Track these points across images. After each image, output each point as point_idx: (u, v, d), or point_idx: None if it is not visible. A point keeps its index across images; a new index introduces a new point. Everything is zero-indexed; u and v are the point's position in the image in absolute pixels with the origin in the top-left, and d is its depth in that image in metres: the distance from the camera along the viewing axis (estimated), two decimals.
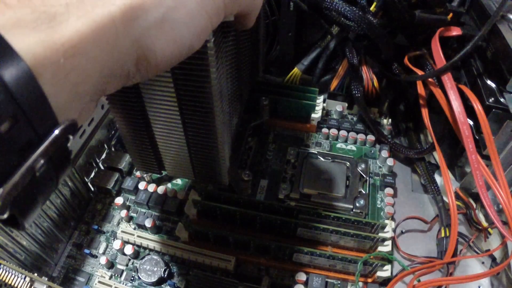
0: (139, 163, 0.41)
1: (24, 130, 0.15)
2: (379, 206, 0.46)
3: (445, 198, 0.44)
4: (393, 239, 0.42)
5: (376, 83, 0.51)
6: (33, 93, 0.15)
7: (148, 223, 0.43)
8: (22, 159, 0.15)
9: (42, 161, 0.16)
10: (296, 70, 0.54)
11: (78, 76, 0.17)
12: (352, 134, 0.52)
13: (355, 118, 0.55)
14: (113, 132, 0.51)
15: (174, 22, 0.20)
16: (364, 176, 0.47)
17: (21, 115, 0.15)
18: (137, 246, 0.43)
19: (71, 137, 0.17)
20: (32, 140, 0.16)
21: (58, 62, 0.16)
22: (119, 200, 0.45)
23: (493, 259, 0.41)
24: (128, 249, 0.42)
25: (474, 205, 0.43)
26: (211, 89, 0.30)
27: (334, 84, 0.53)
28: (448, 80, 0.40)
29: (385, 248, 0.40)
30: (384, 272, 0.39)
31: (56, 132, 0.16)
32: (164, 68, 0.21)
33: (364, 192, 0.46)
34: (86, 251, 0.43)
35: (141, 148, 0.38)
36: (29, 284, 0.29)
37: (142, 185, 0.46)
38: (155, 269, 0.40)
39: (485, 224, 0.42)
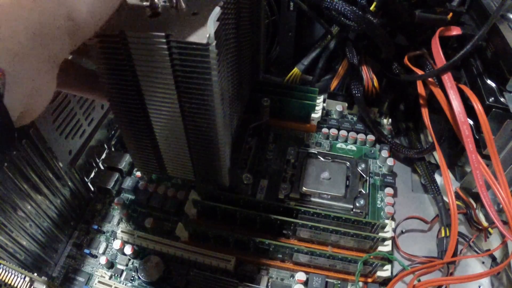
0: (141, 164, 0.41)
1: None
2: (379, 206, 0.46)
3: (445, 198, 0.44)
4: (393, 239, 0.42)
5: (376, 83, 0.51)
6: None
7: (148, 223, 0.43)
8: None
9: None
10: (296, 70, 0.54)
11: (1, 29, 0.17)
12: (352, 134, 0.52)
13: (355, 118, 0.55)
14: (113, 132, 0.51)
15: None
16: (364, 176, 0.47)
17: None
18: (137, 246, 0.43)
19: (1, 89, 0.17)
20: None
21: None
22: (119, 200, 0.45)
23: (493, 258, 0.41)
24: (128, 249, 0.42)
25: (474, 205, 0.43)
26: (213, 92, 0.30)
27: (334, 84, 0.53)
28: (448, 79, 0.40)
29: (385, 248, 0.40)
30: (384, 272, 0.39)
31: None
32: (93, 27, 0.23)
33: (364, 192, 0.46)
34: (86, 251, 0.43)
35: (142, 149, 0.38)
36: (29, 284, 0.29)
37: (142, 185, 0.46)
38: (155, 269, 0.40)
39: (485, 224, 0.42)
